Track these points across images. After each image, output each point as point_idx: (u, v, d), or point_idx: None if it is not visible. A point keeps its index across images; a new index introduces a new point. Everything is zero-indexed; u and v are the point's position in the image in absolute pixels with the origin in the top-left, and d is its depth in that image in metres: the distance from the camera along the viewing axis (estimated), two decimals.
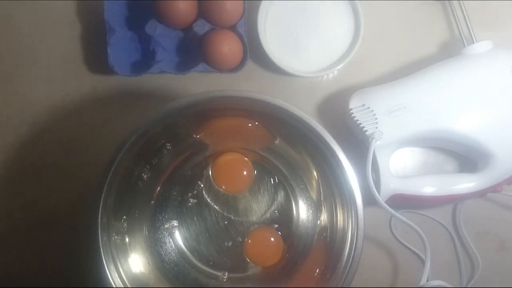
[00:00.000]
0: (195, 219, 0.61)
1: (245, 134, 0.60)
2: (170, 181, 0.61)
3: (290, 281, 0.59)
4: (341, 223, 0.54)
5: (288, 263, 0.60)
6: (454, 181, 0.60)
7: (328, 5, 0.61)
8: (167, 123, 0.53)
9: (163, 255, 0.59)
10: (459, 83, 0.58)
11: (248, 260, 0.60)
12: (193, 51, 0.61)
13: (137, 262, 0.56)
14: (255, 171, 0.61)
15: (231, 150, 0.61)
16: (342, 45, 0.62)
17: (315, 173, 0.59)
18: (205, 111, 0.54)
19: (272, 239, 0.60)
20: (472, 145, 0.58)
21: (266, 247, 0.60)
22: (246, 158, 0.61)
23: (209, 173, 0.61)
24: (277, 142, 0.59)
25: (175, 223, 0.61)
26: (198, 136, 0.59)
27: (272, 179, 0.61)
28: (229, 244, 0.60)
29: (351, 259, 0.51)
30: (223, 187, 0.61)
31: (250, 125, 0.57)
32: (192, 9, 0.59)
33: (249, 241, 0.60)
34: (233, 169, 0.61)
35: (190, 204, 0.61)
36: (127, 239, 0.56)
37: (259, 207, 0.61)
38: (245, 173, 0.61)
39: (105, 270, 0.51)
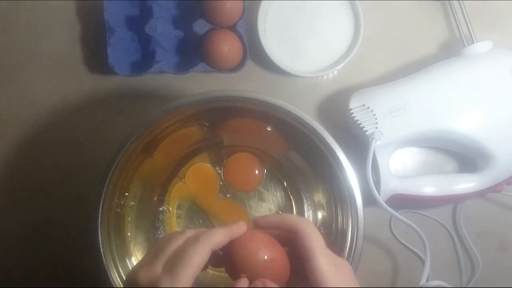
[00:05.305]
0: (195, 218, 0.61)
1: (261, 137, 0.60)
2: (170, 181, 0.61)
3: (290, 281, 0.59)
4: (341, 223, 0.54)
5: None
6: (454, 181, 0.60)
7: (328, 5, 0.61)
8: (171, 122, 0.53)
9: None
10: (459, 83, 0.58)
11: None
12: (193, 51, 0.61)
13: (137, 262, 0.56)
14: (265, 170, 0.61)
15: (244, 150, 0.61)
16: (342, 45, 0.62)
17: (315, 174, 0.59)
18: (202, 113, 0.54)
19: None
20: (472, 145, 0.58)
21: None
22: (257, 158, 0.61)
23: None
24: (291, 149, 0.59)
25: (175, 222, 0.61)
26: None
27: (278, 181, 0.62)
28: None
29: (351, 259, 0.51)
30: (233, 186, 0.61)
31: (269, 129, 0.57)
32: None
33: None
34: (243, 168, 0.61)
35: (190, 204, 0.61)
36: (127, 239, 0.56)
37: (263, 207, 0.61)
38: (256, 172, 0.61)
39: (105, 270, 0.51)
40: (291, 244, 0.43)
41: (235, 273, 0.42)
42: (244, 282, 0.41)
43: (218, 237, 0.41)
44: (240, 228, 0.42)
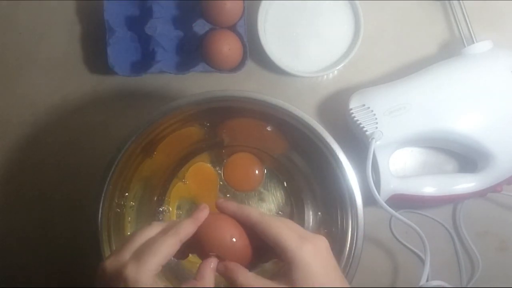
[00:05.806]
0: None
1: (261, 137, 0.60)
2: (170, 181, 0.61)
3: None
4: (341, 223, 0.54)
5: None
6: (454, 181, 0.60)
7: (328, 5, 0.61)
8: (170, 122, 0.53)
9: None
10: (459, 83, 0.58)
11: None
12: (193, 51, 0.61)
13: None
14: (265, 170, 0.61)
15: (244, 150, 0.61)
16: (342, 45, 0.62)
17: (315, 174, 0.59)
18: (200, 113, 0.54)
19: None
20: (472, 145, 0.58)
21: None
22: (257, 158, 0.61)
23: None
24: (291, 149, 0.59)
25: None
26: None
27: (278, 181, 0.62)
28: None
29: (351, 259, 0.51)
30: (233, 186, 0.61)
31: (269, 129, 0.57)
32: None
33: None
34: (243, 168, 0.61)
35: (190, 204, 0.61)
36: None
37: (263, 207, 0.61)
38: (256, 172, 0.61)
39: None
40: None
41: (203, 254, 0.44)
42: (213, 260, 0.43)
43: (186, 229, 0.42)
44: (204, 212, 0.44)
